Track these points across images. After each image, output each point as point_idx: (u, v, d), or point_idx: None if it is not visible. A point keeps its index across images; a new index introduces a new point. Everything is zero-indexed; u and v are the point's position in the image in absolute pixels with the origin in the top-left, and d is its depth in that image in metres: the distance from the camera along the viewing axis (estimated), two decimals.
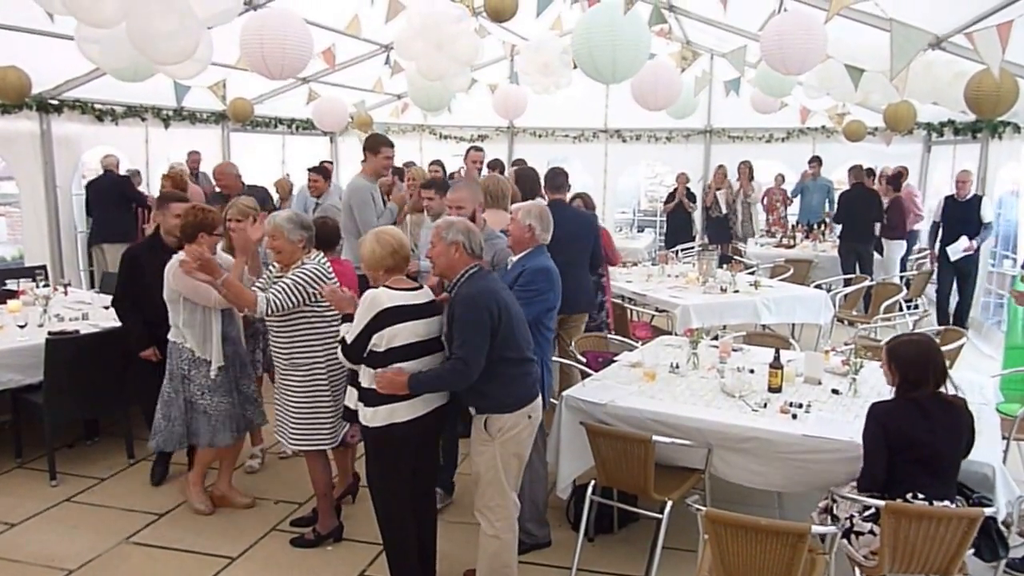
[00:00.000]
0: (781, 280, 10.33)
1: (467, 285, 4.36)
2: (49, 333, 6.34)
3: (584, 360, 6.39)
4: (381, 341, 4.28)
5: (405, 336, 4.33)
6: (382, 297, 4.32)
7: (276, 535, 5.59)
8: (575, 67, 10.00)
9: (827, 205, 14.57)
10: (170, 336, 5.62)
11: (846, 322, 10.69)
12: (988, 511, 3.99)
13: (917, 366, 4.26)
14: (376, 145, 7.62)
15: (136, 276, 6.05)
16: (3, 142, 9.91)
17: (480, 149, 9.69)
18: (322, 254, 5.32)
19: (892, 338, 4.62)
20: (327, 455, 5.49)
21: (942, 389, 4.33)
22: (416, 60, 8.13)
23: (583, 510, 5.18)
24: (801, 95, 12.26)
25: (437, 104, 10.84)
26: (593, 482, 5.18)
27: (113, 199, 11.23)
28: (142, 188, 11.92)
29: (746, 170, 14.22)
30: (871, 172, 12.69)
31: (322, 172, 9.60)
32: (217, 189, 8.96)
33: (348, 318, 4.54)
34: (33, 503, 5.91)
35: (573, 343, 6.69)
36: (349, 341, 4.32)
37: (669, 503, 4.82)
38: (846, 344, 6.77)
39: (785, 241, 13.41)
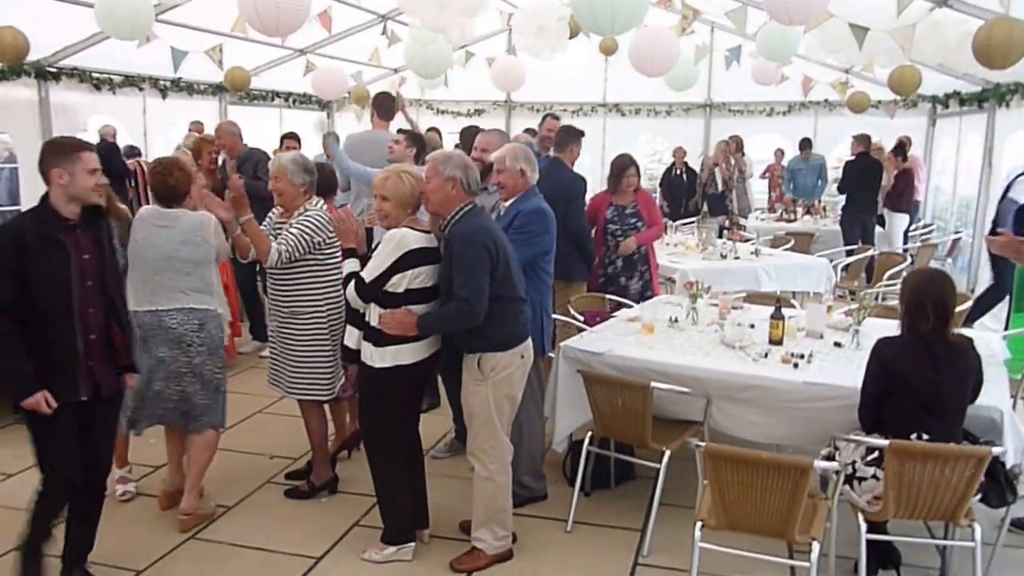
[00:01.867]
0: (783, 251, 10.23)
1: (462, 223, 4.28)
2: None
3: (582, 318, 6.31)
4: (402, 282, 4.24)
5: (425, 279, 4.30)
6: (410, 237, 4.27)
7: (271, 487, 5.54)
8: (571, 36, 9.97)
9: (819, 183, 14.42)
10: (196, 304, 4.86)
11: (848, 293, 10.57)
12: (996, 451, 3.91)
13: (916, 295, 4.18)
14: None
15: (22, 265, 3.81)
16: (1, 109, 9.81)
17: (557, 117, 8.82)
18: (323, 201, 5.22)
19: None
20: (323, 407, 5.42)
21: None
22: (419, 15, 8.04)
23: (580, 464, 5.12)
24: (803, 65, 12.20)
25: (434, 71, 10.72)
26: (590, 434, 5.11)
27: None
28: (143, 160, 11.84)
29: (734, 144, 14.04)
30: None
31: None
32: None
33: (349, 254, 4.48)
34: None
35: (572, 301, 6.60)
36: (369, 279, 4.23)
37: (667, 453, 4.75)
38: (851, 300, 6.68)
39: (786, 216, 13.30)
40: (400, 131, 6.87)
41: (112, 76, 10.98)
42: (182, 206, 4.92)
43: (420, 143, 6.60)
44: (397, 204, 4.31)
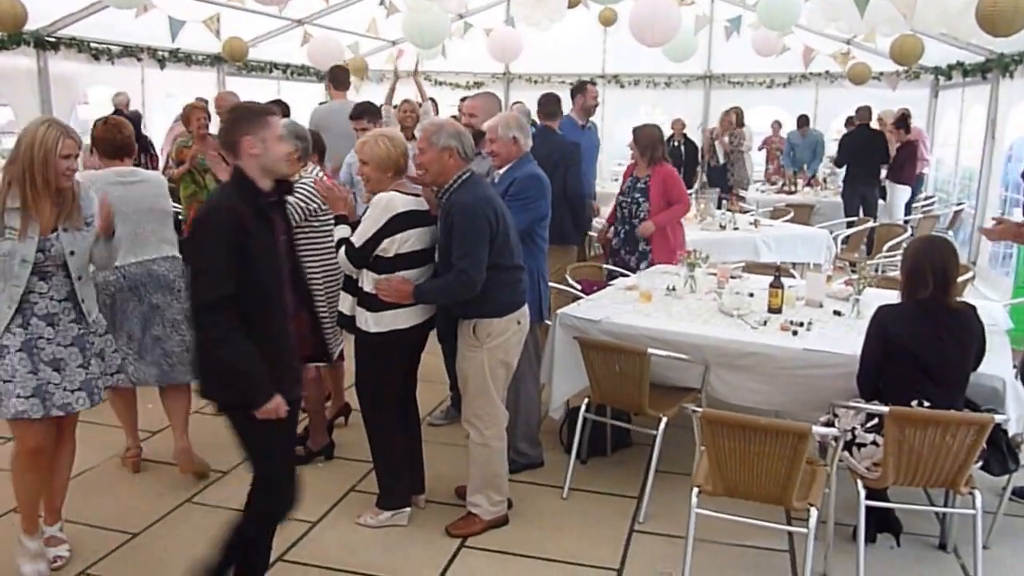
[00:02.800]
0: (782, 222, 10.16)
1: (462, 192, 4.23)
2: None
3: (579, 286, 6.27)
4: (391, 246, 4.21)
5: (414, 242, 4.27)
6: (396, 201, 4.24)
7: None
8: (571, 6, 9.89)
9: (814, 159, 14.37)
10: (175, 253, 5.04)
11: (848, 264, 10.50)
12: (998, 418, 3.87)
13: (915, 262, 4.14)
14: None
15: (245, 254, 3.28)
16: (1, 79, 9.76)
17: (594, 83, 8.66)
18: (319, 168, 5.20)
19: None
20: (320, 373, 5.39)
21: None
22: None
23: (576, 431, 5.10)
24: (804, 36, 12.10)
25: (432, 42, 10.64)
26: (587, 401, 5.07)
27: None
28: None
29: (734, 116, 13.93)
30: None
31: None
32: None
33: (340, 220, 4.45)
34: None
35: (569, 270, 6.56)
36: (359, 244, 4.21)
37: (664, 419, 4.73)
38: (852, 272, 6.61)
39: (786, 188, 13.23)
40: (352, 116, 6.68)
41: (111, 46, 10.92)
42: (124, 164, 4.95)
43: (374, 113, 6.64)
44: (375, 167, 4.29)
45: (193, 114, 8.02)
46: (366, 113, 6.52)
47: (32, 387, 3.82)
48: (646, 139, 6.82)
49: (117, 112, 11.09)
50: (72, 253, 3.88)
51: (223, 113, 8.38)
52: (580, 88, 8.03)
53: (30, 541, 4.04)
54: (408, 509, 4.61)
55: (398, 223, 4.20)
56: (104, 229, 4.06)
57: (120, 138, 4.89)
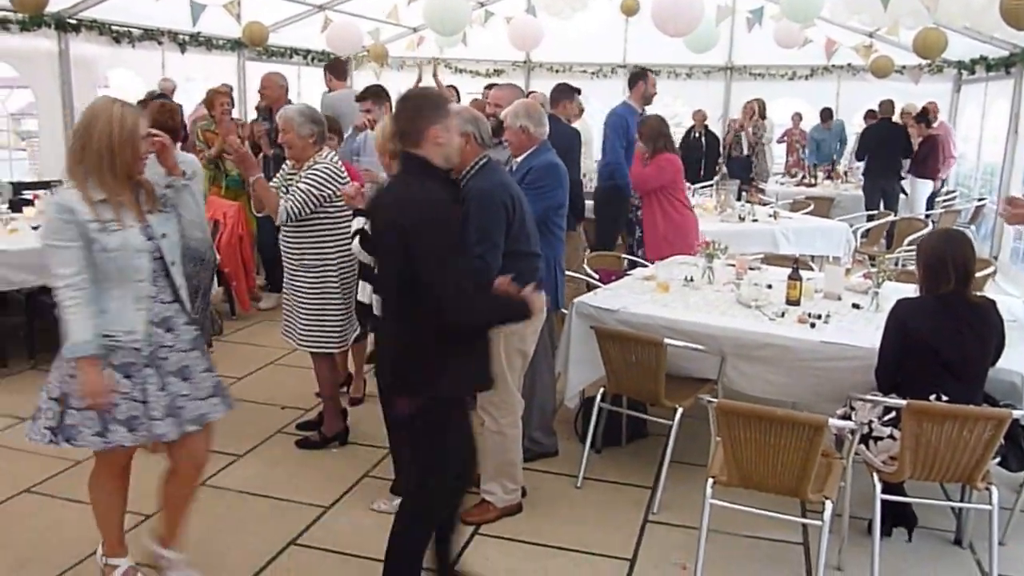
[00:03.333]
0: (802, 214, 10.11)
1: (479, 178, 4.19)
2: None
3: (596, 276, 6.27)
4: None
5: None
6: None
7: (281, 437, 5.55)
8: None
9: (839, 146, 14.31)
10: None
11: (867, 257, 10.45)
12: (1017, 413, 3.83)
13: (936, 257, 4.08)
14: None
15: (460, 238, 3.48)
16: (22, 60, 9.84)
17: (655, 72, 8.68)
18: (334, 152, 5.22)
19: None
20: (335, 358, 5.40)
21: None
22: None
23: (591, 420, 5.08)
24: (826, 28, 12.01)
25: (452, 28, 10.63)
26: (602, 390, 5.06)
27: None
28: None
29: (757, 106, 13.83)
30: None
31: None
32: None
33: (359, 212, 4.47)
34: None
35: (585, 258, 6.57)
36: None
37: (680, 410, 4.70)
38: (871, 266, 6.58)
39: (806, 181, 13.15)
40: (358, 98, 6.98)
41: (132, 29, 10.93)
42: None
43: (377, 94, 6.82)
44: (379, 154, 4.41)
45: (216, 99, 8.13)
46: (369, 95, 6.73)
47: (164, 405, 3.48)
48: (649, 131, 6.91)
49: (161, 96, 11.14)
50: (164, 236, 3.52)
51: (269, 96, 8.41)
52: (641, 75, 7.96)
53: (120, 560, 3.87)
54: None
55: None
56: (172, 167, 3.63)
57: (171, 123, 5.26)
